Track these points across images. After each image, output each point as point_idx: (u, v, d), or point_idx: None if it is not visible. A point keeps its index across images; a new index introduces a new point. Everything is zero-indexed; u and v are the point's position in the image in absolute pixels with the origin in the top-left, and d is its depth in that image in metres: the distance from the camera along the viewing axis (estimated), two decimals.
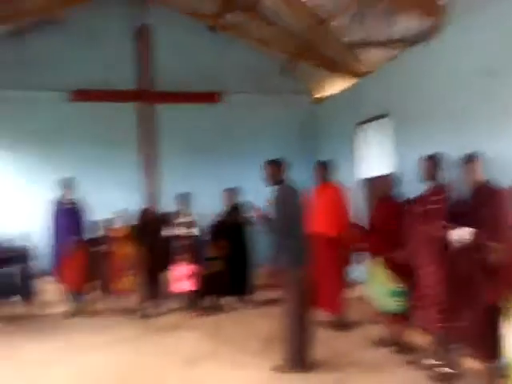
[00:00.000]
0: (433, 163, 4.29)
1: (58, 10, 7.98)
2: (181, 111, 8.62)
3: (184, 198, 6.66)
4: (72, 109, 8.35)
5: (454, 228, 3.72)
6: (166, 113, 8.55)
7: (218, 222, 6.73)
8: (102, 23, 8.55)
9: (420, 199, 4.35)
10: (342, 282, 5.65)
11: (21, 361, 4.82)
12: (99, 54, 8.51)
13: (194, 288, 6.31)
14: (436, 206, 4.09)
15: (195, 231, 6.57)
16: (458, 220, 3.80)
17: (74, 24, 8.47)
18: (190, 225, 6.55)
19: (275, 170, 4.57)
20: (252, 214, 4.79)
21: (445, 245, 3.91)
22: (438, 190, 4.21)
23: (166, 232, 6.45)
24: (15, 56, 8.26)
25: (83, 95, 8.37)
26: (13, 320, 6.18)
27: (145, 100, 8.67)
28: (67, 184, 6.49)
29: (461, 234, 3.67)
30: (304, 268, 4.47)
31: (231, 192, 6.78)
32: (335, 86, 8.45)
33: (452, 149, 4.36)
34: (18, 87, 8.14)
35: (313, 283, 4.72)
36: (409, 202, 4.83)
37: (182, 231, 6.47)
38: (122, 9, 8.47)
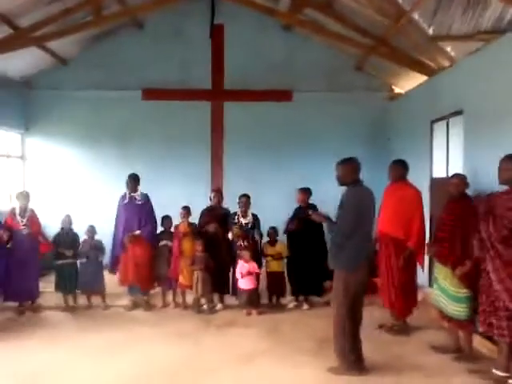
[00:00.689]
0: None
1: (138, 13, 8.35)
2: (252, 109, 8.75)
3: (244, 199, 6.72)
4: (147, 107, 8.73)
5: None
6: (238, 111, 8.73)
7: (293, 221, 6.62)
8: (178, 24, 8.90)
9: (498, 201, 4.09)
10: (409, 287, 5.47)
11: (86, 348, 5.06)
12: (175, 54, 8.88)
13: (252, 286, 6.35)
14: None
15: (256, 232, 6.60)
16: None
17: (152, 26, 8.90)
18: (249, 226, 6.60)
19: (348, 170, 4.45)
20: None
21: None
22: None
23: (230, 235, 6.54)
24: (97, 58, 8.83)
25: (155, 94, 8.72)
26: (77, 310, 6.46)
27: (216, 98, 8.89)
28: (132, 179, 6.56)
29: None
30: (360, 271, 4.36)
31: (305, 191, 6.75)
32: (411, 83, 8.19)
33: None
34: (98, 87, 8.69)
35: (367, 286, 4.61)
36: (479, 199, 4.63)
37: (239, 232, 6.52)
38: (197, 9, 8.74)
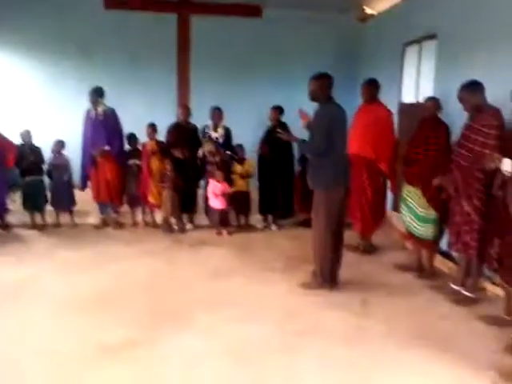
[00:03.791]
0: (472, 91, 4.08)
1: None
2: (221, 24, 8.33)
3: (217, 112, 6.60)
4: (108, 17, 8.18)
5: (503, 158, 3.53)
6: (206, 26, 8.27)
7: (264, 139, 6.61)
8: None
9: (467, 127, 4.17)
10: (377, 207, 5.63)
11: (56, 265, 5.07)
12: None
13: (224, 206, 6.40)
14: (487, 134, 3.92)
15: (228, 155, 6.56)
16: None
17: None
18: (220, 140, 6.54)
19: (320, 85, 4.38)
20: (301, 117, 4.61)
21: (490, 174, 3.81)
22: (490, 117, 3.98)
23: (206, 147, 6.45)
24: None
25: (118, 2, 8.15)
26: (46, 228, 6.40)
27: (183, 10, 8.40)
28: (96, 94, 6.27)
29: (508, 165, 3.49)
30: (339, 190, 4.44)
31: (277, 109, 6.65)
32: (384, 4, 7.96)
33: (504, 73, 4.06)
34: None
35: (347, 204, 4.73)
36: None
37: (209, 148, 6.46)
38: None
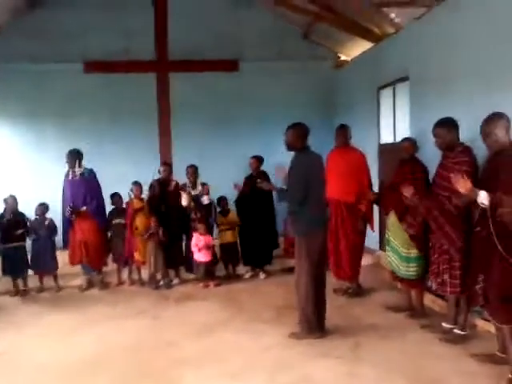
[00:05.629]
0: (446, 130, 4.12)
1: None
2: (198, 80, 8.53)
3: (192, 170, 6.65)
4: (88, 81, 8.37)
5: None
6: (184, 82, 8.45)
7: (243, 190, 6.65)
8: None
9: (440, 165, 4.23)
10: (360, 249, 5.65)
11: (42, 332, 4.93)
12: (116, 24, 8.39)
13: (209, 258, 6.35)
14: (458, 171, 3.95)
15: (207, 200, 6.56)
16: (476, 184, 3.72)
17: None
18: (200, 196, 6.56)
19: (295, 135, 4.46)
20: (277, 174, 4.67)
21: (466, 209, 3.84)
22: (461, 153, 4.04)
23: (184, 201, 6.44)
24: (30, 28, 8.23)
25: (98, 66, 8.37)
26: (28, 294, 6.29)
27: (161, 69, 8.61)
28: (73, 155, 6.30)
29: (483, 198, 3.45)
30: (319, 236, 4.45)
31: (258, 159, 6.73)
32: (357, 50, 8.22)
33: (475, 111, 4.11)
34: (33, 60, 8.15)
35: (327, 251, 4.74)
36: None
37: (188, 202, 6.45)
38: None
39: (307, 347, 4.26)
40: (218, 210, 6.73)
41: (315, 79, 9.08)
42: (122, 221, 6.48)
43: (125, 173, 7.32)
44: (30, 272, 6.39)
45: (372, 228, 5.86)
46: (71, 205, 6.16)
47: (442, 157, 4.26)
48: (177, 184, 6.65)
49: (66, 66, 8.26)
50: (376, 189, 6.04)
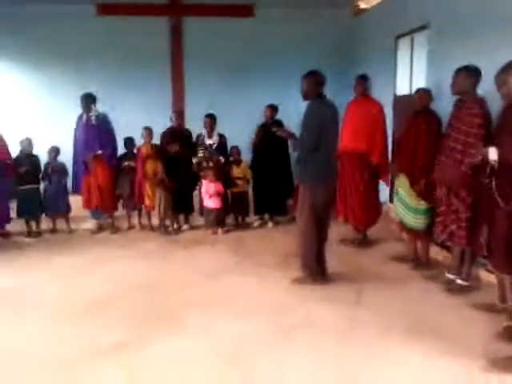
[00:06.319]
0: (466, 75, 4.02)
1: None
2: (211, 25, 8.35)
3: (209, 120, 6.59)
4: (100, 23, 8.24)
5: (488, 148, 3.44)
6: (198, 28, 8.30)
7: (257, 137, 6.61)
8: None
9: (454, 113, 4.14)
10: (370, 200, 5.59)
11: (53, 271, 5.07)
12: None
13: (218, 205, 6.39)
14: (470, 122, 3.89)
15: (221, 159, 6.53)
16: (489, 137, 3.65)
17: None
18: (214, 150, 6.53)
19: (311, 83, 4.37)
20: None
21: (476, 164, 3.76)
22: (474, 104, 3.94)
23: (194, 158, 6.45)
24: None
25: (110, 9, 8.21)
26: (42, 235, 6.42)
27: (174, 13, 8.43)
28: (88, 99, 6.29)
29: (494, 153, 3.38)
30: (325, 189, 4.43)
31: (272, 107, 6.64)
32: None
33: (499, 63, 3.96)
34: (44, 1, 7.96)
35: (333, 201, 4.73)
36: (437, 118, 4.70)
37: (202, 157, 6.45)
38: None
39: (310, 292, 4.34)
40: (231, 159, 6.72)
41: (333, 27, 8.81)
42: (132, 163, 6.47)
43: (137, 118, 7.26)
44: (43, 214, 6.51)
45: (387, 182, 5.82)
46: (94, 152, 6.19)
47: (454, 108, 4.17)
48: (187, 136, 6.62)
49: (77, 8, 8.12)
50: (390, 140, 5.95)
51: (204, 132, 6.62)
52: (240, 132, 6.72)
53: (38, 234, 6.43)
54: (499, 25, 4.58)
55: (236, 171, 6.63)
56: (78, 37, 8.33)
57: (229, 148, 6.69)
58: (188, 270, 5.01)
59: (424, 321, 3.77)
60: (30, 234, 6.39)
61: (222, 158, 6.54)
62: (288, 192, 6.73)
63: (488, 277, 4.31)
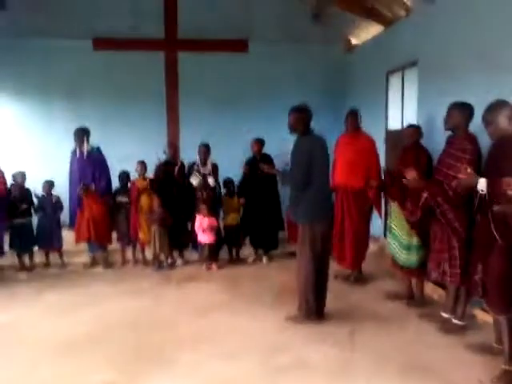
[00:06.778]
0: (460, 111, 4.06)
1: None
2: (206, 60, 8.46)
3: (204, 149, 6.64)
4: (96, 58, 8.34)
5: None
6: (193, 62, 8.40)
7: (246, 173, 6.66)
8: None
9: (446, 149, 4.17)
10: (364, 237, 5.64)
11: (44, 307, 5.01)
12: (126, 1, 8.31)
13: (212, 240, 6.37)
14: (460, 158, 3.91)
15: (212, 182, 6.53)
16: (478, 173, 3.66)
17: None
18: (208, 176, 6.53)
19: (298, 118, 4.40)
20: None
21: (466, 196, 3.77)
22: (464, 140, 3.97)
23: (191, 180, 6.46)
24: (38, 3, 8.11)
25: (107, 43, 8.33)
26: (34, 269, 6.37)
27: (170, 48, 8.56)
28: (81, 133, 6.34)
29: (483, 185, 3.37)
30: (323, 224, 4.41)
31: (259, 142, 6.70)
32: (367, 34, 8.05)
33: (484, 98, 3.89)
34: (42, 36, 8.07)
35: (331, 237, 4.71)
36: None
37: (198, 182, 6.45)
38: None
39: (303, 331, 4.28)
40: (224, 191, 6.73)
41: (325, 62, 8.95)
42: (126, 199, 6.49)
43: (131, 151, 7.30)
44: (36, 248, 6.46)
45: (380, 215, 5.84)
46: (84, 182, 6.21)
47: (445, 144, 4.21)
48: (180, 167, 6.65)
49: (74, 43, 8.20)
50: (383, 175, 5.99)
51: (197, 161, 6.64)
52: (233, 162, 6.78)
53: (31, 267, 6.37)
54: (486, 64, 4.67)
55: (230, 203, 6.65)
56: (74, 71, 8.40)
57: (221, 180, 6.73)
58: (179, 308, 4.95)
59: (418, 362, 3.71)
60: (22, 267, 6.33)
61: (211, 182, 6.52)
62: (279, 225, 6.75)
63: (484, 316, 4.28)
